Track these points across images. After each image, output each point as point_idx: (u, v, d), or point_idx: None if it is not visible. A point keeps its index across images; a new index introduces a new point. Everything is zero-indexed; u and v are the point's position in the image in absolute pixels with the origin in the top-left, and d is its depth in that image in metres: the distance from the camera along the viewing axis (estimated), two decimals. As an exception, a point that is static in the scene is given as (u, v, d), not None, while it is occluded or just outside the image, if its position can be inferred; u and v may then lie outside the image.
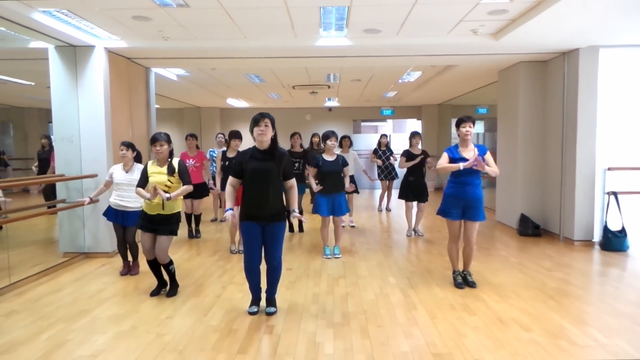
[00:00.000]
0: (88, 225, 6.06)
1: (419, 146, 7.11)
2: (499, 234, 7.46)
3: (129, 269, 5.35)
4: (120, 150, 5.11)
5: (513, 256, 5.99)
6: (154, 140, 4.35)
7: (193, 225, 7.41)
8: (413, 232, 7.36)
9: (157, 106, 7.90)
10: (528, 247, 6.44)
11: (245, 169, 3.84)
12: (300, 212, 4.59)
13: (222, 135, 8.16)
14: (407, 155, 7.01)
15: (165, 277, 4.63)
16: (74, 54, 5.92)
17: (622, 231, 6.24)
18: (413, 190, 7.07)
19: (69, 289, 4.79)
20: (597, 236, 6.48)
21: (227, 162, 6.22)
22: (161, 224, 4.33)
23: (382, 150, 9.76)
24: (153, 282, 4.84)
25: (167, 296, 4.51)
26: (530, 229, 7.20)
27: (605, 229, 6.30)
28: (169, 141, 4.40)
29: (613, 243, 6.19)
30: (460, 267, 4.84)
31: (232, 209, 3.97)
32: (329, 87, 10.60)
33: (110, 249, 6.08)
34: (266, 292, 4.11)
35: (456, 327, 3.70)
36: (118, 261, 5.69)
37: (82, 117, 5.97)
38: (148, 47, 6.13)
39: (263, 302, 4.15)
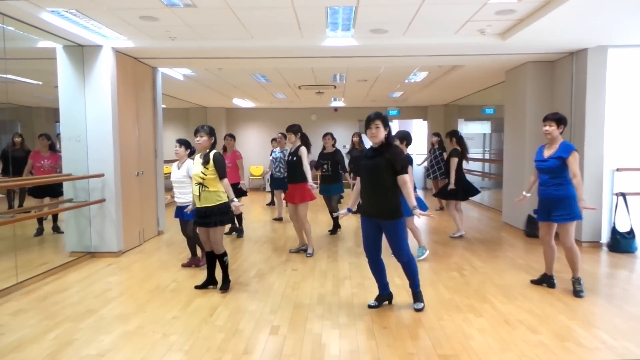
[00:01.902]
0: (94, 224, 6.08)
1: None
2: (505, 235, 7.42)
3: (194, 262, 5.53)
4: (174, 147, 5.29)
5: (520, 257, 5.96)
6: (195, 131, 4.51)
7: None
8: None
9: (163, 106, 7.92)
10: (535, 249, 6.39)
11: (359, 166, 4.00)
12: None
13: (281, 135, 8.22)
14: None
15: (217, 276, 4.72)
16: (82, 54, 5.95)
17: (631, 232, 6.19)
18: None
19: (76, 288, 4.81)
20: (605, 237, 6.43)
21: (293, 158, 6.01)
22: (207, 217, 4.46)
23: (432, 150, 9.87)
24: (159, 281, 4.86)
25: (219, 290, 4.63)
26: (537, 230, 7.11)
27: (614, 230, 6.25)
28: (210, 134, 4.53)
29: (621, 244, 6.14)
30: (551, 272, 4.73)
31: (351, 210, 4.23)
32: (335, 87, 10.58)
33: (117, 248, 6.11)
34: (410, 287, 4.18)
35: (462, 329, 3.68)
36: (124, 260, 5.72)
37: (89, 117, 6.00)
38: (155, 47, 6.15)
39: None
